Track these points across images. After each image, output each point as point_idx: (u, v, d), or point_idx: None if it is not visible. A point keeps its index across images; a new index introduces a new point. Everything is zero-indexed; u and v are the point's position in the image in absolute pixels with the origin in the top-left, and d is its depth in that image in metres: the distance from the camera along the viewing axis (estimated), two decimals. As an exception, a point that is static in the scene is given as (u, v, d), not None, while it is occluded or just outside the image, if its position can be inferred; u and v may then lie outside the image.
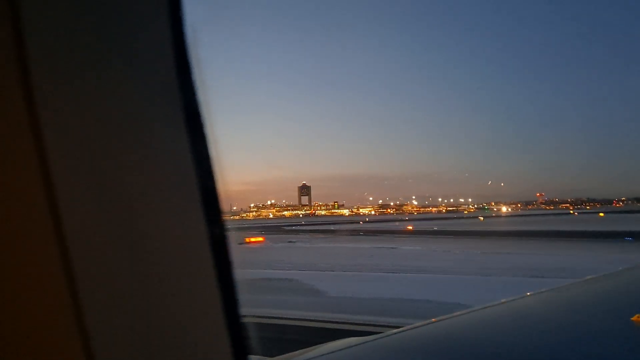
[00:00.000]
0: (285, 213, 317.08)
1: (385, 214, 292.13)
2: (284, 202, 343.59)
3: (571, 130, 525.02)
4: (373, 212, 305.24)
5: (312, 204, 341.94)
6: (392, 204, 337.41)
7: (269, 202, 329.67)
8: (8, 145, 0.58)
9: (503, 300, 3.18)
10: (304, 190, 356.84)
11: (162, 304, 0.66)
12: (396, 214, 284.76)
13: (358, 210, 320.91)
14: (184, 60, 0.74)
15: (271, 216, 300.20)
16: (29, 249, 0.58)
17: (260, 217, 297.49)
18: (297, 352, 2.46)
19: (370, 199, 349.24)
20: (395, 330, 2.53)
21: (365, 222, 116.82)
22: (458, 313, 2.81)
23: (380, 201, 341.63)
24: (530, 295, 3.43)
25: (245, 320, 0.76)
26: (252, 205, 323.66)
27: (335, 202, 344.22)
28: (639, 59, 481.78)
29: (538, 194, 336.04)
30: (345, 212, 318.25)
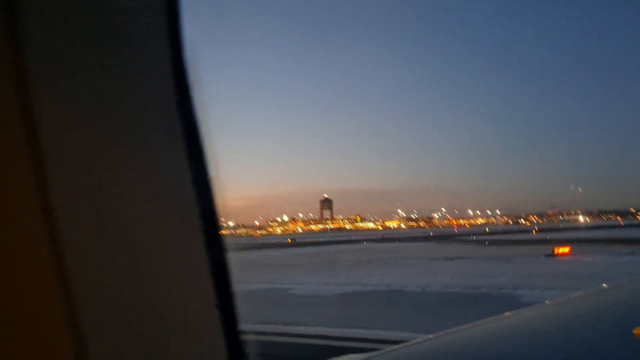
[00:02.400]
0: (313, 227, 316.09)
1: (414, 227, 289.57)
2: (301, 216, 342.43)
3: (576, 143, 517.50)
4: (403, 226, 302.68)
5: (334, 217, 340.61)
6: (416, 217, 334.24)
7: (285, 217, 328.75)
8: (4, 147, 0.58)
9: (504, 315, 3.18)
10: (326, 203, 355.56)
11: (157, 310, 0.66)
12: (427, 227, 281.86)
13: (384, 223, 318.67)
14: (182, 74, 0.74)
15: (300, 230, 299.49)
16: (23, 250, 0.59)
17: (288, 231, 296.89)
18: None
19: (399, 211, 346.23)
20: (396, 347, 2.49)
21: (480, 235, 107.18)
22: (459, 328, 2.74)
23: (411, 215, 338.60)
24: (531, 308, 3.41)
25: (243, 328, 0.75)
26: (276, 219, 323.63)
27: (357, 215, 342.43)
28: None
29: (550, 211, 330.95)
30: (370, 225, 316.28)
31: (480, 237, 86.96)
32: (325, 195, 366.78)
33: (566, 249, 46.23)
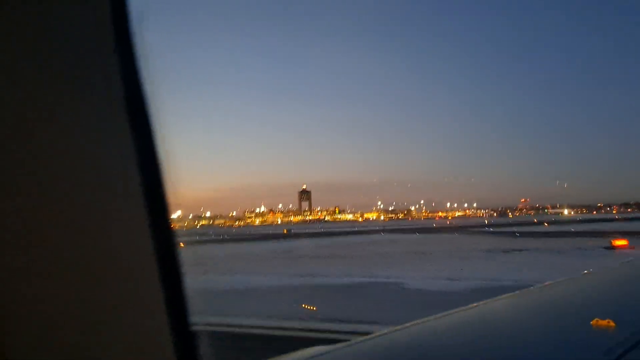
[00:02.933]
0: (293, 218, 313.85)
1: (394, 219, 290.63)
2: (280, 207, 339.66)
3: (548, 136, 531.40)
4: (382, 218, 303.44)
5: (312, 208, 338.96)
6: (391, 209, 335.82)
7: (262, 208, 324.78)
8: None
9: (466, 307, 3.19)
10: (304, 195, 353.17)
11: (98, 305, 0.63)
12: (404, 219, 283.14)
13: (362, 216, 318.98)
14: (129, 61, 0.70)
15: (279, 222, 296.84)
16: None
17: (266, 222, 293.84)
18: None
19: (379, 204, 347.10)
20: (362, 338, 2.53)
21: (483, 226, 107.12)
22: (424, 319, 2.83)
23: (390, 207, 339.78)
24: (494, 300, 3.47)
25: (195, 327, 0.72)
26: (253, 210, 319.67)
27: (336, 207, 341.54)
28: (622, 64, 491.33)
29: (522, 200, 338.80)
30: (349, 217, 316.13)
31: (499, 230, 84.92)
32: (304, 187, 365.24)
33: (624, 242, 45.58)
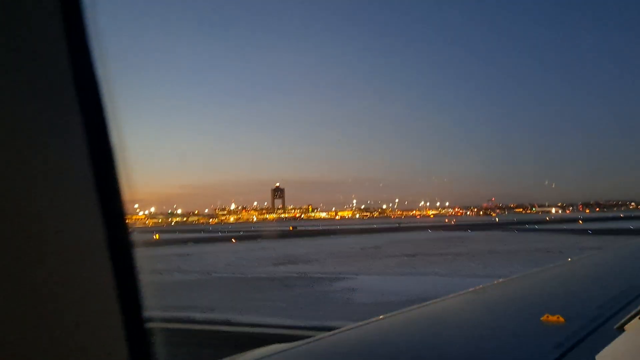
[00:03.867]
0: (268, 216, 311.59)
1: (368, 217, 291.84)
2: (255, 204, 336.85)
3: (513, 137, 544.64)
4: (358, 216, 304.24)
5: (285, 206, 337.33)
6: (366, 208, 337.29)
7: (232, 205, 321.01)
8: None
9: (420, 304, 3.27)
10: (278, 192, 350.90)
11: (53, 304, 0.61)
12: (380, 217, 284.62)
13: (336, 214, 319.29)
14: (82, 49, 0.68)
15: (255, 219, 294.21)
16: None
17: (241, 220, 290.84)
18: None
19: (354, 202, 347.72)
20: (321, 335, 2.55)
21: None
22: (382, 317, 2.92)
23: (363, 205, 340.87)
24: (447, 298, 3.54)
25: (150, 325, 0.70)
26: (224, 207, 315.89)
27: (309, 205, 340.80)
28: (595, 62, 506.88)
29: (492, 199, 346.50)
30: (323, 215, 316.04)
31: (517, 227, 78.94)
32: (277, 184, 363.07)
33: None
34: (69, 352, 0.62)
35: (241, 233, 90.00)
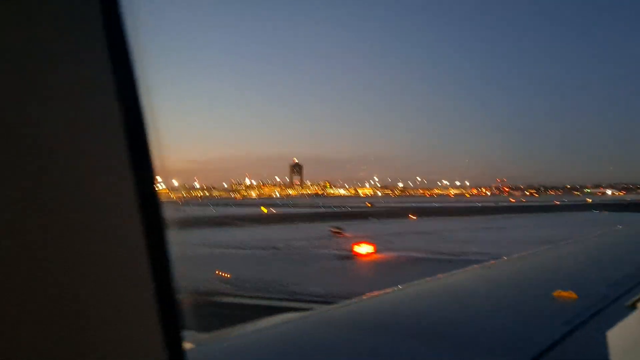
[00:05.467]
0: (291, 192, 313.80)
1: (390, 195, 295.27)
2: (279, 181, 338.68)
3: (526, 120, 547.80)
4: (379, 194, 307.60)
5: (303, 182, 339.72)
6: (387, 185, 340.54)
7: (248, 181, 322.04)
8: None
9: (435, 277, 3.34)
10: (296, 168, 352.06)
11: (83, 304, 0.60)
12: (401, 195, 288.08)
13: (356, 191, 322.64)
14: (117, 26, 0.66)
15: (278, 194, 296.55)
16: None
17: (263, 195, 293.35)
18: (234, 328, 2.53)
19: (376, 178, 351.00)
20: (331, 307, 2.60)
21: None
22: (393, 289, 2.96)
23: (379, 183, 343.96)
24: (460, 272, 3.60)
25: (178, 294, 0.71)
26: (241, 182, 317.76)
27: (326, 181, 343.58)
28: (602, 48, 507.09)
29: (498, 179, 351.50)
30: (342, 192, 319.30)
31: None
32: (295, 160, 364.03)
33: None
34: (105, 349, 0.61)
35: (335, 209, 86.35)
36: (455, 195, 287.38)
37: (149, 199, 0.66)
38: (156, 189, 0.68)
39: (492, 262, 4.08)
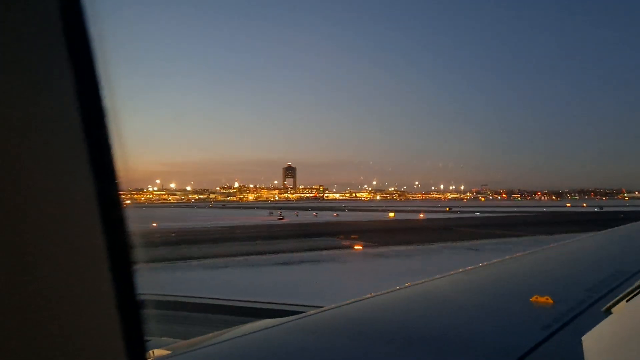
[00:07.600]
0: (290, 196, 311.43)
1: (388, 199, 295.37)
2: (276, 184, 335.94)
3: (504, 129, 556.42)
4: (378, 198, 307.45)
5: (296, 186, 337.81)
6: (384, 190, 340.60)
7: (235, 184, 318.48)
8: None
9: (414, 282, 3.33)
10: (289, 172, 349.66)
11: (48, 303, 0.58)
12: (398, 200, 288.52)
13: (352, 194, 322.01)
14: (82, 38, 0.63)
15: (276, 198, 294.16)
16: None
17: (261, 199, 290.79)
18: (209, 334, 2.53)
19: (374, 183, 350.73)
20: (312, 312, 2.58)
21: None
22: (372, 295, 2.96)
23: (374, 187, 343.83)
24: (437, 277, 3.60)
25: (142, 300, 0.68)
26: (229, 185, 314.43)
27: (320, 185, 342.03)
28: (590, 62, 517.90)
29: (474, 188, 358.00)
30: (337, 196, 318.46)
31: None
32: (289, 164, 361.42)
33: None
34: (62, 351, 0.59)
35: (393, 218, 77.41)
36: (450, 199, 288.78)
37: (110, 203, 0.65)
38: (119, 192, 0.66)
39: (470, 267, 4.07)
